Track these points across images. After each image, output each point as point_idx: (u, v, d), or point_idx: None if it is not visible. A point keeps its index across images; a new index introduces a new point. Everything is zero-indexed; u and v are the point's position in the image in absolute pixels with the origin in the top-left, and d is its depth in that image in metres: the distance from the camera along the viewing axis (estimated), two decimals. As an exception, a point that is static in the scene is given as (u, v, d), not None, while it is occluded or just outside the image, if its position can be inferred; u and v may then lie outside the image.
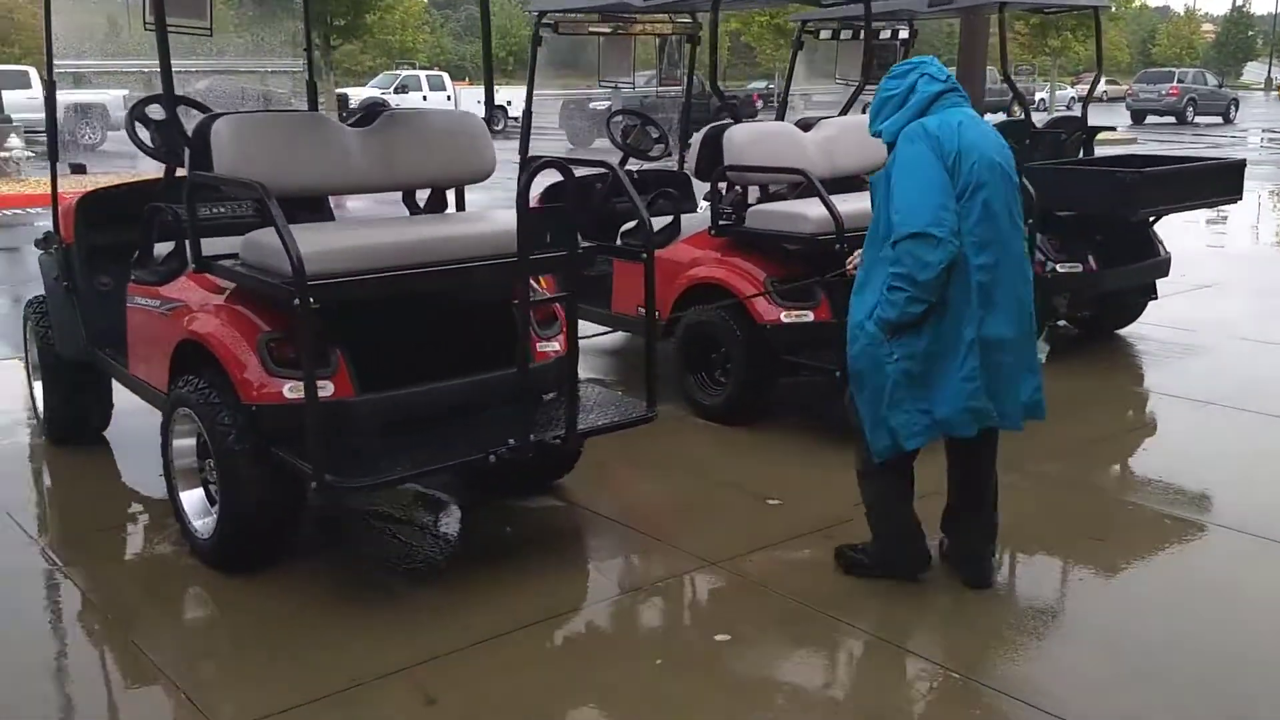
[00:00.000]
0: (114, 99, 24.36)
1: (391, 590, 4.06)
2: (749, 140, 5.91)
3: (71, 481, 5.29)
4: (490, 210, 4.77)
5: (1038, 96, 40.11)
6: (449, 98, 33.88)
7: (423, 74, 36.33)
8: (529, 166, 4.00)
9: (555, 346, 4.38)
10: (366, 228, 4.26)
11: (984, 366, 3.53)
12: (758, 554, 4.21)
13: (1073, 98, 42.70)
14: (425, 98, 33.50)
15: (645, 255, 4.19)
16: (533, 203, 6.80)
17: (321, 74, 27.14)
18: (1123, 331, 7.62)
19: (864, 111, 4.04)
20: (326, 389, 3.80)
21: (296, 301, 3.45)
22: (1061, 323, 7.46)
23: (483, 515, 4.75)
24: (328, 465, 3.58)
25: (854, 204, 5.24)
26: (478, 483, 4.84)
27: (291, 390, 3.81)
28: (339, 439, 3.77)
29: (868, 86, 6.58)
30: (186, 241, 4.23)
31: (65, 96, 24.89)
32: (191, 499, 4.23)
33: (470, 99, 32.47)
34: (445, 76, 37.15)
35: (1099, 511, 4.64)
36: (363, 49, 42.71)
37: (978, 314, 3.50)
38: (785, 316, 5.47)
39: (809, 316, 5.46)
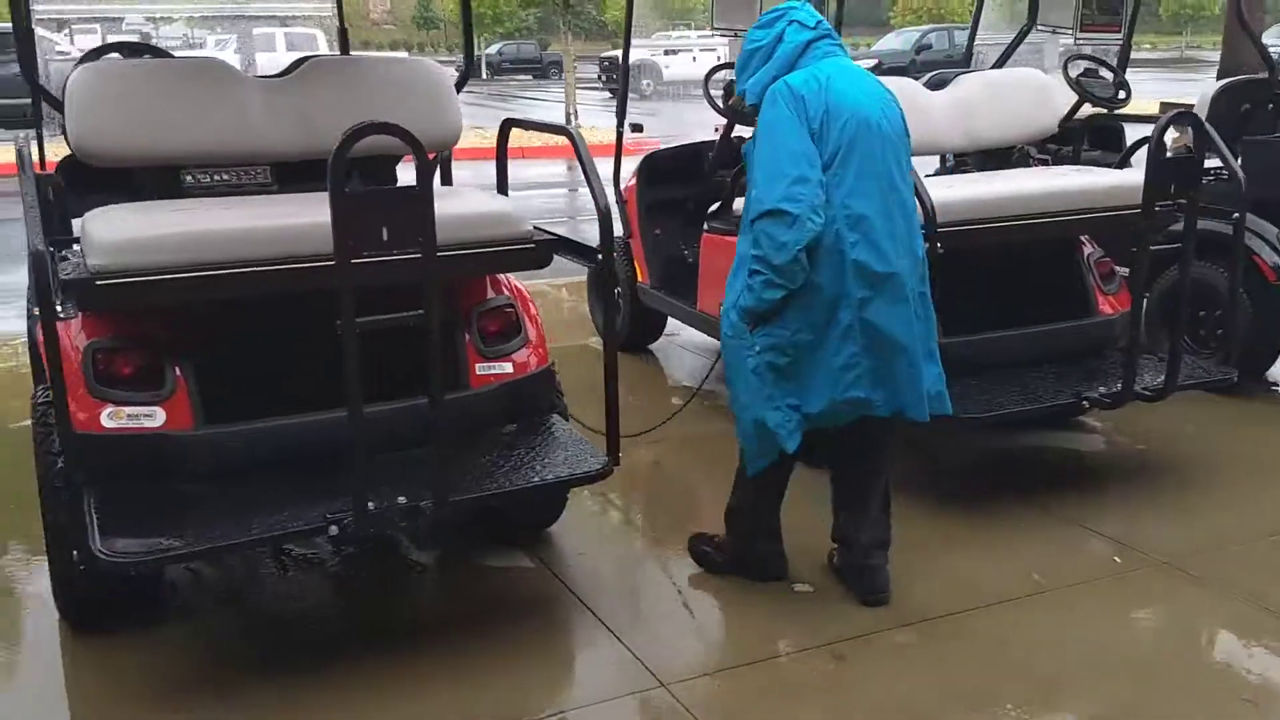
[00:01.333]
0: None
1: (289, 669, 3.25)
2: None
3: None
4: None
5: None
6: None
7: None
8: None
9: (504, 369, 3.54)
10: (219, 208, 3.40)
11: (869, 352, 3.23)
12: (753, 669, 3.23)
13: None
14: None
15: (599, 256, 3.18)
16: (626, 181, 5.91)
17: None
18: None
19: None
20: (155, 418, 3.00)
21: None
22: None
23: (430, 575, 3.96)
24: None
25: (990, 186, 4.33)
26: (441, 529, 4.01)
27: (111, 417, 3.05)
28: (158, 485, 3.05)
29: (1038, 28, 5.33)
30: None
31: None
32: None
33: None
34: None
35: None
36: None
37: (856, 296, 3.17)
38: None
39: None
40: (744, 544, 3.69)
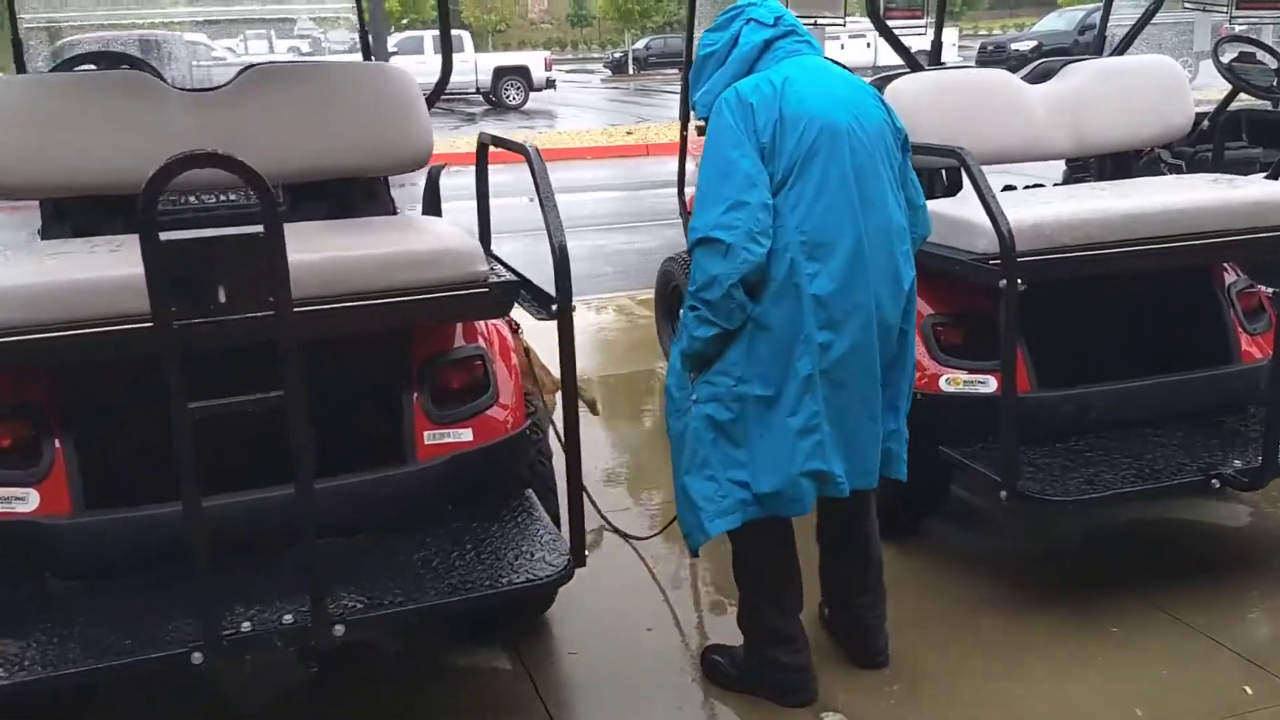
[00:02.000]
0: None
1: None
2: (921, 97, 3.95)
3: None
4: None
5: None
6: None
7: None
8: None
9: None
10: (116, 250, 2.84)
11: (829, 410, 2.70)
12: None
13: None
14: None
15: (554, 307, 2.61)
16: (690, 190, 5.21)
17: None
18: None
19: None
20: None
21: None
22: None
23: (380, 670, 3.34)
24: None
25: (1094, 201, 3.51)
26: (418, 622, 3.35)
27: None
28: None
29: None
30: None
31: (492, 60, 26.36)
32: None
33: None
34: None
35: None
36: None
37: (816, 341, 2.65)
38: (947, 383, 3.54)
39: (986, 384, 3.45)
40: (756, 653, 3.00)
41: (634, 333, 6.80)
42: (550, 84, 26.32)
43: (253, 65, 3.44)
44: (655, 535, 3.97)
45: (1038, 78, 4.32)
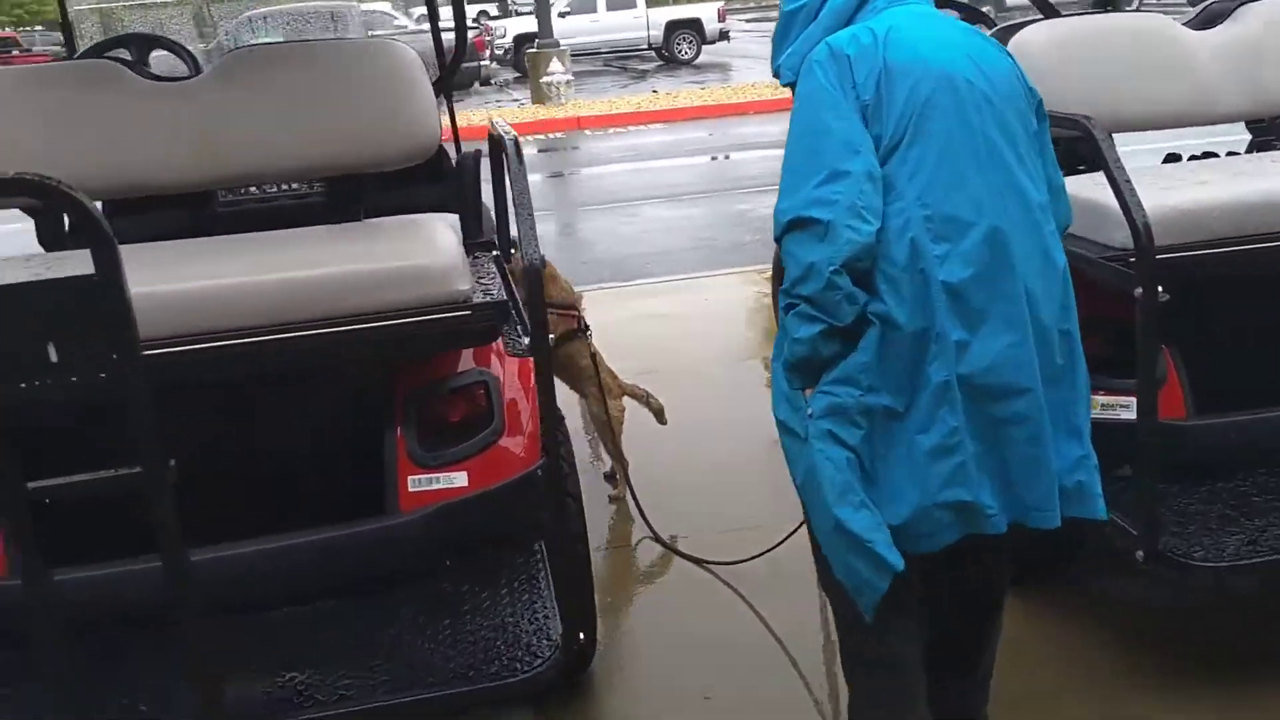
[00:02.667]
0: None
1: None
2: (1057, 49, 3.20)
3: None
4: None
5: None
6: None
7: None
8: None
9: None
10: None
11: (974, 426, 2.10)
12: None
13: None
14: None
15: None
16: None
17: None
18: None
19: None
20: None
21: None
22: None
23: None
24: None
25: (1254, 182, 2.82)
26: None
27: None
28: None
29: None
30: None
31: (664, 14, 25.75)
32: None
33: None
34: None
35: None
36: None
37: (952, 338, 2.08)
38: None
39: (1130, 408, 2.69)
40: None
41: (759, 314, 6.20)
42: (724, 35, 25.49)
43: (242, 47, 3.06)
44: (744, 562, 3.41)
45: (1205, 22, 3.48)
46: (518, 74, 23.27)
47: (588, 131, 15.31)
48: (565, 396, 4.01)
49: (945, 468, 2.08)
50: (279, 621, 2.40)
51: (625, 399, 4.11)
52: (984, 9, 4.40)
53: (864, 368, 2.09)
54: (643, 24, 24.97)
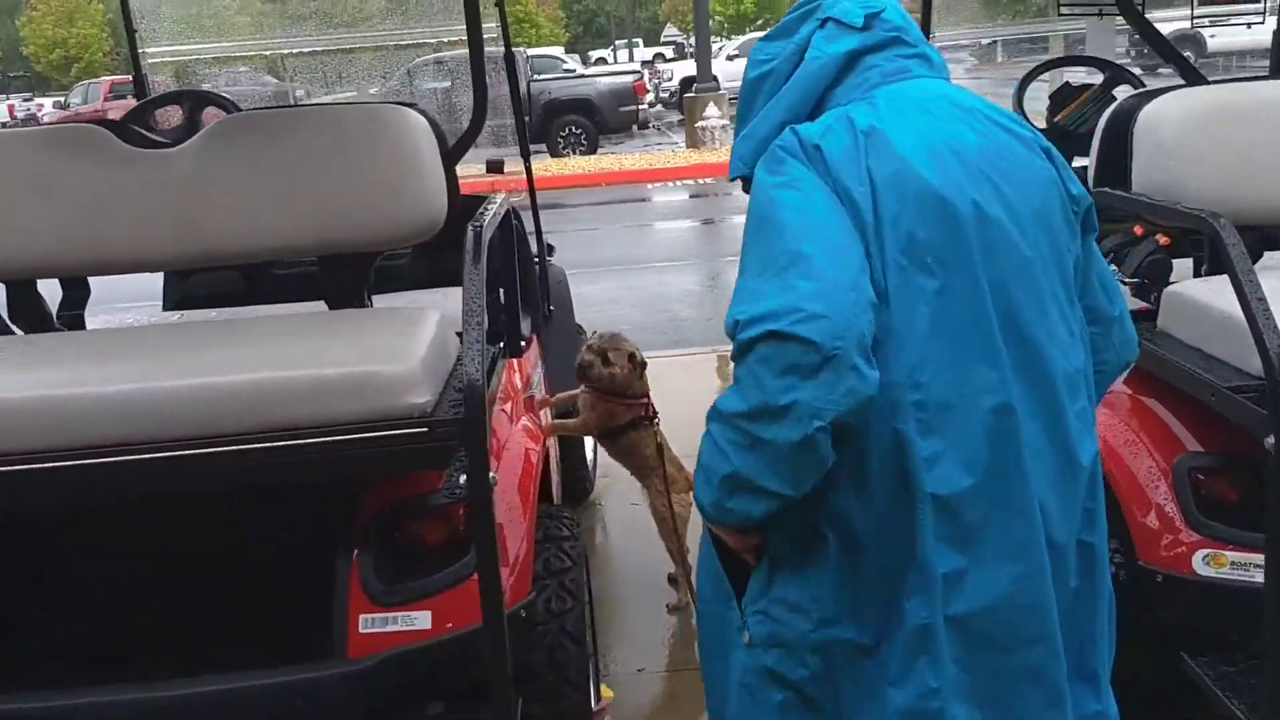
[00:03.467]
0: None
1: None
2: (1189, 121, 2.65)
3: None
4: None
5: None
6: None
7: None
8: None
9: None
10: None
11: (968, 682, 1.55)
12: None
13: None
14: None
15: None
16: None
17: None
18: None
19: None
20: None
21: None
22: None
23: None
24: None
25: None
26: None
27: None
28: None
29: None
30: None
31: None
32: None
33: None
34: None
35: None
36: None
37: (939, 571, 1.53)
38: (1205, 562, 2.29)
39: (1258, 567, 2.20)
40: None
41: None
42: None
43: (235, 113, 2.80)
44: None
45: None
46: (681, 117, 23.25)
47: (739, 178, 14.97)
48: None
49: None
50: None
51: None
52: (1185, 53, 3.77)
53: (815, 593, 1.61)
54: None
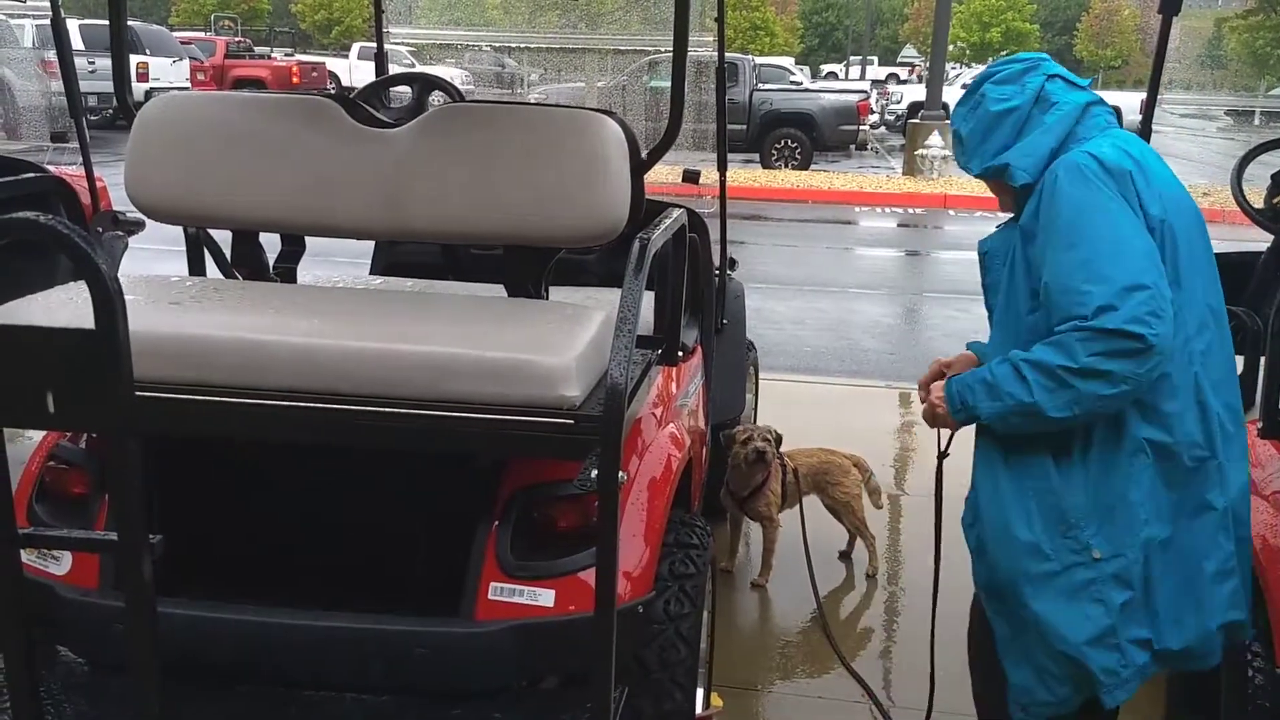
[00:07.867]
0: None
1: None
2: None
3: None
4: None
5: None
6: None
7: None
8: None
9: None
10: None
11: (1243, 552, 2.30)
12: None
13: None
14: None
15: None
16: None
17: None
18: None
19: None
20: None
21: None
22: None
23: None
24: None
25: None
26: None
27: None
28: None
29: None
30: None
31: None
32: None
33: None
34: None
35: None
36: None
37: (1229, 472, 2.23)
38: None
39: None
40: None
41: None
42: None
43: (453, 104, 2.99)
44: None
45: None
46: (904, 142, 22.92)
47: (952, 211, 14.59)
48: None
49: (1226, 590, 2.21)
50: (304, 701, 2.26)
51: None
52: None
53: (1141, 503, 2.16)
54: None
